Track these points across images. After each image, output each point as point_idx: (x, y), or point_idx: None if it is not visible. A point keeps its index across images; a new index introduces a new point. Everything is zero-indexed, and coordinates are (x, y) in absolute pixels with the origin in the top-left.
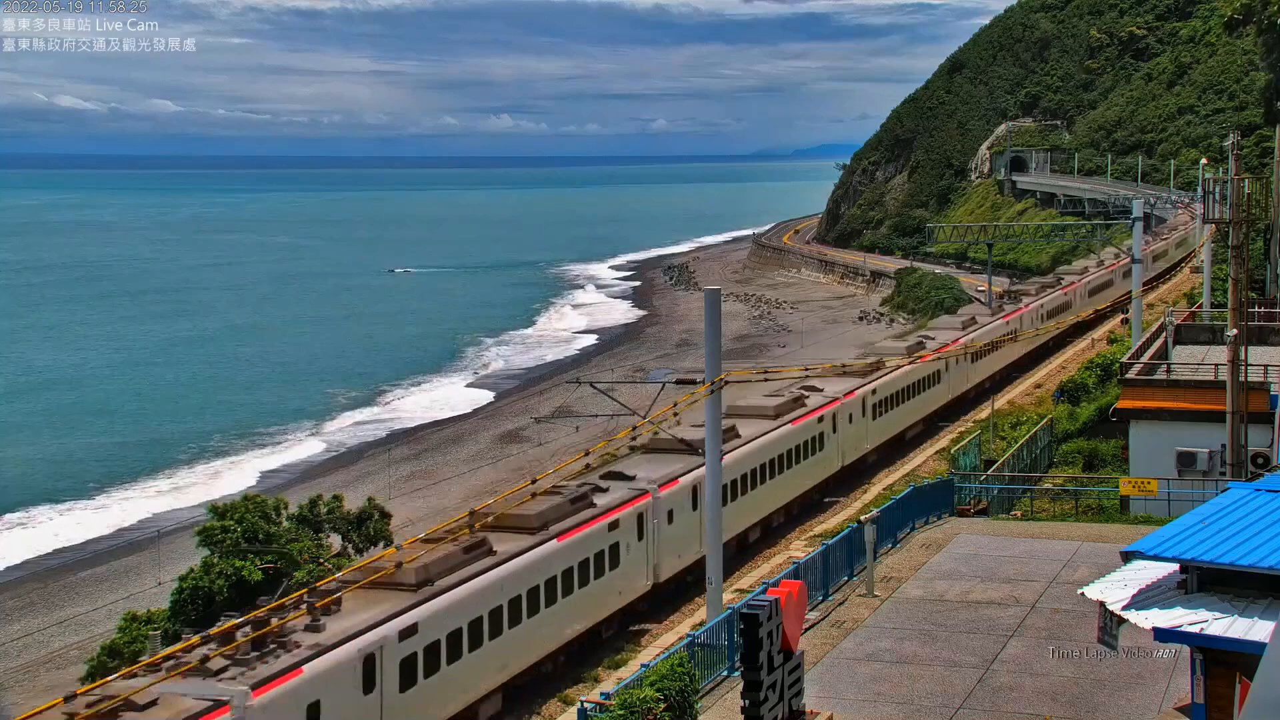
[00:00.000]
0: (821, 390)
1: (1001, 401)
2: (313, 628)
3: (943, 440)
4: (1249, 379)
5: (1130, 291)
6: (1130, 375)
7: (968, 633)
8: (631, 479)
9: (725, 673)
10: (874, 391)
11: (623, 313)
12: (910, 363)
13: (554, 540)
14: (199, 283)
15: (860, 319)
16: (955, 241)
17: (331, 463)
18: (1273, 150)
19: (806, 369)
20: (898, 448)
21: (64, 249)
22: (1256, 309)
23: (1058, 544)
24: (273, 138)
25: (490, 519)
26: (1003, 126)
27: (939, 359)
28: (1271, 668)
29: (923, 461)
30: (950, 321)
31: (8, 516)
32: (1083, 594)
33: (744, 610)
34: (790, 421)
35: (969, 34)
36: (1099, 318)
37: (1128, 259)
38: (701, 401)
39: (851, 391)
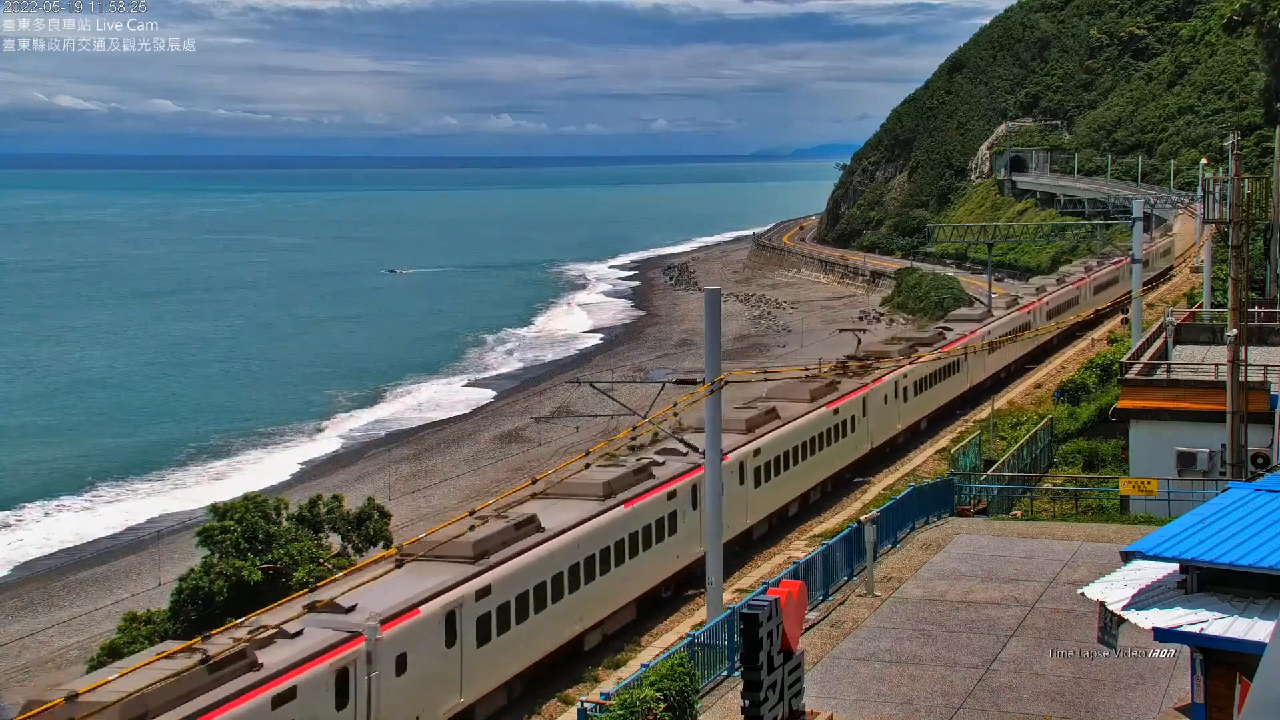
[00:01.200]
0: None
1: (1001, 401)
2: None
3: (943, 440)
4: (1249, 379)
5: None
6: (1130, 375)
7: (968, 633)
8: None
9: (725, 673)
10: (480, 594)
11: (623, 313)
12: (602, 511)
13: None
14: (199, 283)
15: (860, 319)
16: (955, 241)
17: (331, 463)
18: (1273, 150)
19: (806, 369)
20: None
21: (63, 249)
22: (1256, 309)
23: (1058, 544)
24: (273, 138)
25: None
26: (1003, 126)
27: (669, 495)
28: (1271, 668)
29: (923, 461)
30: (732, 419)
31: (6, 515)
32: (1083, 594)
33: (744, 610)
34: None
35: (969, 34)
36: (1009, 376)
37: (1055, 292)
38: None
39: (437, 594)
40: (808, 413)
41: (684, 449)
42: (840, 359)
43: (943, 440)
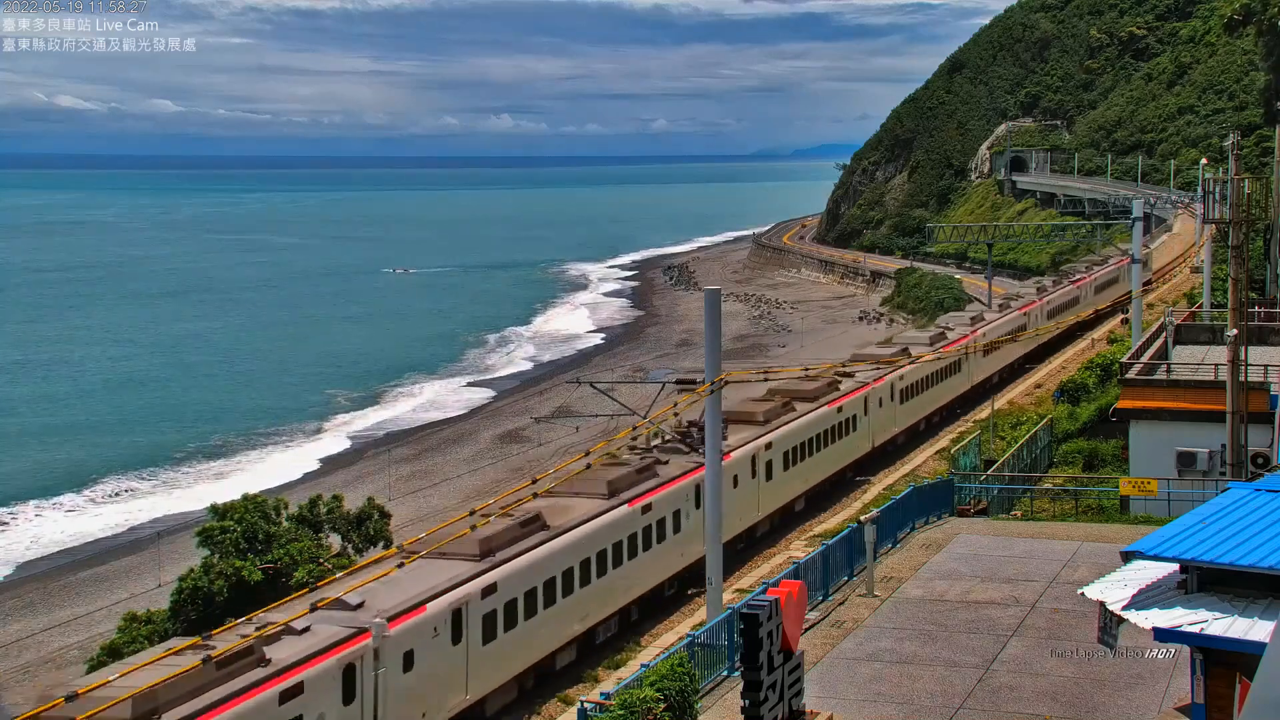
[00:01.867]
0: None
1: (1001, 401)
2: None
3: (943, 440)
4: (1249, 379)
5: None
6: (1130, 375)
7: (968, 633)
8: None
9: (725, 673)
10: None
11: (623, 313)
12: None
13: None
14: (198, 284)
15: (860, 319)
16: (955, 241)
17: (331, 463)
18: (1273, 150)
19: (806, 369)
20: None
21: (64, 250)
22: (1256, 309)
23: (1058, 544)
24: (273, 138)
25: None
26: (1003, 126)
27: (283, 695)
28: (1271, 668)
29: (923, 461)
30: (460, 548)
31: (5, 515)
32: (1083, 594)
33: (744, 610)
34: None
35: (969, 34)
36: (930, 427)
37: (996, 320)
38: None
39: None
40: (597, 515)
41: (343, 607)
42: (678, 428)
43: (943, 440)
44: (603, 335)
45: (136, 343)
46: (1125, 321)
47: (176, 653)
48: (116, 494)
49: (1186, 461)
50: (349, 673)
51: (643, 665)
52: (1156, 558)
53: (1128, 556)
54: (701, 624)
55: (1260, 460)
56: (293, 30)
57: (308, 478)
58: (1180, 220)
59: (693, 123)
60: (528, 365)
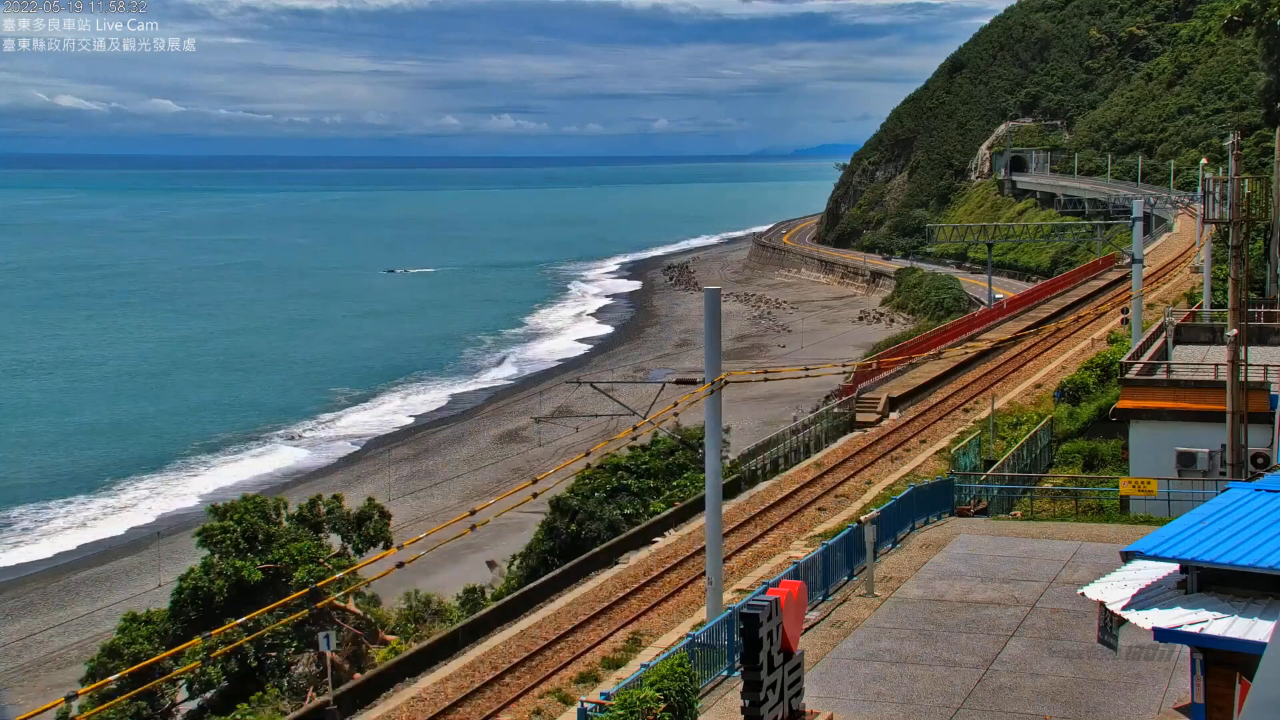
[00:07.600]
0: None
1: (1001, 401)
2: None
3: (943, 440)
4: (1249, 379)
5: None
6: (1130, 375)
7: (968, 633)
8: None
9: (725, 673)
10: None
11: (623, 312)
12: None
13: None
14: (202, 283)
15: (860, 319)
16: (955, 241)
17: (331, 463)
18: (1273, 150)
19: (806, 369)
20: None
21: (65, 250)
22: (1257, 309)
23: (1058, 544)
24: (273, 138)
25: None
26: (1003, 126)
27: None
28: (1271, 668)
29: (923, 461)
30: None
31: (6, 515)
32: (1083, 594)
33: (744, 610)
34: None
35: (969, 34)
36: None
37: None
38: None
39: None
40: None
41: None
42: None
43: (943, 440)
44: (602, 335)
45: (140, 343)
46: (1125, 322)
47: None
48: (118, 494)
49: (1186, 461)
50: None
51: (643, 665)
52: (1156, 558)
53: (1128, 556)
54: (701, 624)
55: (1260, 460)
56: (291, 30)
57: (307, 477)
58: (1180, 220)
59: (693, 123)
60: (527, 365)
